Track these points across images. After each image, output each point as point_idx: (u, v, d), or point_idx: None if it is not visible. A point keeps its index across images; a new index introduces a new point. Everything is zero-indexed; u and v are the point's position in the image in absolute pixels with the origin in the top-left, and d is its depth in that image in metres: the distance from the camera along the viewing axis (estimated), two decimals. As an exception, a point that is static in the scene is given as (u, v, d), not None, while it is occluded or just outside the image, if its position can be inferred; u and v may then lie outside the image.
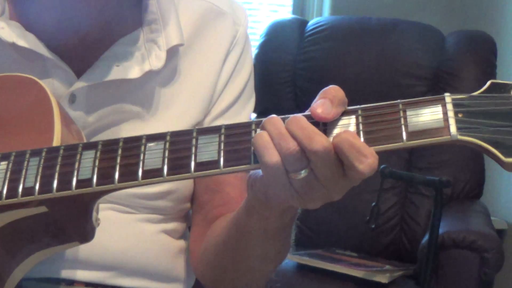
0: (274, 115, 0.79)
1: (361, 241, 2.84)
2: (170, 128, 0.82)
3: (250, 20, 3.65)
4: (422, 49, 3.08)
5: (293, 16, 3.56)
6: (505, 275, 2.90)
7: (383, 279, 2.53)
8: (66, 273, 1.08)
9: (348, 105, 0.80)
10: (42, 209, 0.85)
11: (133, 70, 1.06)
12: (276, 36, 3.24)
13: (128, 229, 1.11)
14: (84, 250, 1.06)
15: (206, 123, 1.14)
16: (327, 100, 0.79)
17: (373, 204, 2.31)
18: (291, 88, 3.16)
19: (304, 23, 3.29)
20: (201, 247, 1.12)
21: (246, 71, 1.19)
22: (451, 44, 3.09)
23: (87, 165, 0.82)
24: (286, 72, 3.16)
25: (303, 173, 0.76)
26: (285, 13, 3.72)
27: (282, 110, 2.97)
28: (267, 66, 3.14)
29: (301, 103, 3.08)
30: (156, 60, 1.07)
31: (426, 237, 2.37)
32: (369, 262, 2.71)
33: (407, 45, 3.08)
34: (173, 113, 1.12)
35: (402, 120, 0.75)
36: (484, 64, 3.03)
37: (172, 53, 1.10)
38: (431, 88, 3.01)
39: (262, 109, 3.09)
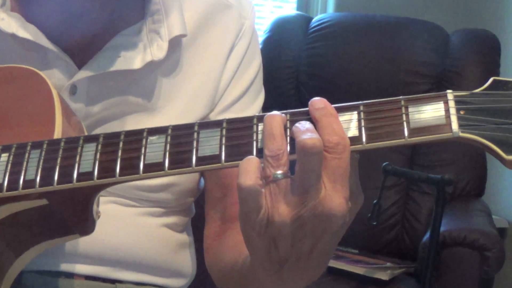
0: (276, 113, 0.77)
1: (362, 238, 2.84)
2: (174, 121, 0.81)
3: (254, 15, 3.64)
4: (426, 47, 3.08)
5: (297, 12, 3.56)
6: (506, 274, 2.90)
7: (383, 276, 2.54)
8: (66, 266, 1.08)
9: (350, 102, 0.79)
10: (43, 201, 0.85)
11: (135, 61, 1.06)
12: (280, 32, 3.24)
13: (129, 223, 1.11)
14: (84, 243, 1.06)
15: (212, 118, 1.14)
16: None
17: (375, 201, 2.31)
18: (294, 84, 3.16)
19: (308, 19, 3.29)
20: (217, 256, 1.12)
21: (253, 66, 1.19)
22: (455, 42, 3.09)
23: (88, 158, 0.81)
24: (289, 68, 3.17)
25: (280, 176, 0.74)
26: (290, 9, 3.73)
27: (285, 106, 2.96)
28: (270, 62, 3.14)
29: (304, 99, 3.08)
30: (158, 50, 1.06)
31: (427, 235, 2.37)
32: (370, 259, 2.72)
33: (411, 43, 3.08)
34: (176, 107, 1.11)
35: (404, 117, 0.74)
36: (487, 62, 3.03)
37: (175, 44, 1.10)
38: (435, 86, 3.01)
39: (264, 105, 3.10)
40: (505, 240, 3.27)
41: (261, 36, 3.24)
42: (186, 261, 1.20)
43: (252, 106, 1.18)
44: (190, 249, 1.22)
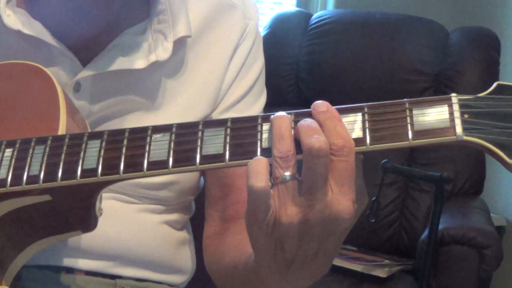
0: (283, 114, 0.77)
1: (360, 235, 2.85)
2: (176, 120, 0.82)
3: (254, 11, 3.64)
4: (425, 45, 3.07)
5: (297, 9, 3.55)
6: (504, 272, 2.91)
7: (381, 273, 2.54)
8: (66, 261, 1.08)
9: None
10: (46, 197, 0.85)
11: (139, 61, 1.06)
12: (280, 29, 3.23)
13: (130, 219, 1.11)
14: (85, 239, 1.07)
15: (214, 117, 1.14)
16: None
17: (373, 198, 2.31)
18: (293, 81, 3.16)
19: (308, 16, 3.29)
20: (217, 255, 1.12)
21: (256, 66, 1.19)
22: (455, 40, 3.09)
23: (92, 154, 0.82)
24: (289, 65, 3.16)
25: (288, 177, 0.75)
26: (289, 5, 3.72)
27: (284, 103, 2.98)
28: (270, 58, 3.10)
29: (303, 96, 3.08)
30: (163, 51, 1.06)
31: (426, 233, 2.38)
32: (368, 257, 2.72)
33: (410, 41, 3.08)
34: (179, 106, 1.12)
35: (408, 119, 0.75)
36: (487, 61, 3.03)
37: (180, 44, 1.10)
38: (434, 84, 3.01)
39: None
40: (503, 238, 3.27)
41: (261, 32, 3.23)
42: (186, 258, 1.20)
43: (254, 106, 1.18)
44: (190, 246, 1.22)
